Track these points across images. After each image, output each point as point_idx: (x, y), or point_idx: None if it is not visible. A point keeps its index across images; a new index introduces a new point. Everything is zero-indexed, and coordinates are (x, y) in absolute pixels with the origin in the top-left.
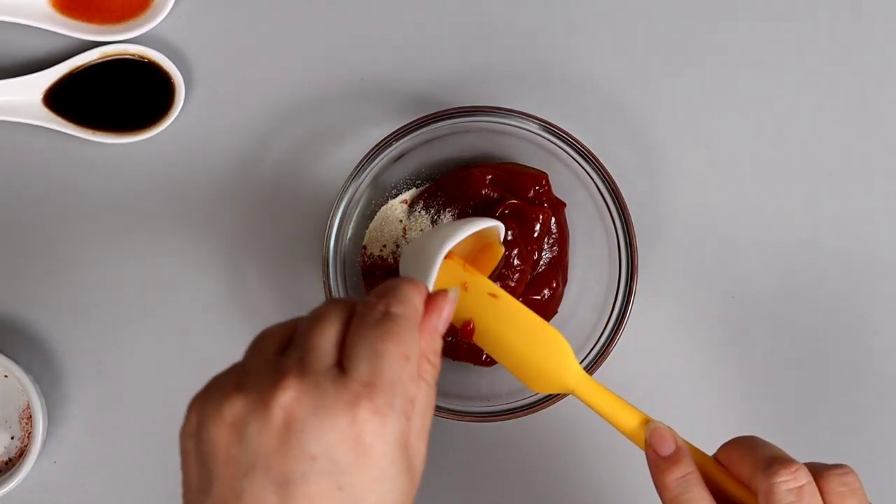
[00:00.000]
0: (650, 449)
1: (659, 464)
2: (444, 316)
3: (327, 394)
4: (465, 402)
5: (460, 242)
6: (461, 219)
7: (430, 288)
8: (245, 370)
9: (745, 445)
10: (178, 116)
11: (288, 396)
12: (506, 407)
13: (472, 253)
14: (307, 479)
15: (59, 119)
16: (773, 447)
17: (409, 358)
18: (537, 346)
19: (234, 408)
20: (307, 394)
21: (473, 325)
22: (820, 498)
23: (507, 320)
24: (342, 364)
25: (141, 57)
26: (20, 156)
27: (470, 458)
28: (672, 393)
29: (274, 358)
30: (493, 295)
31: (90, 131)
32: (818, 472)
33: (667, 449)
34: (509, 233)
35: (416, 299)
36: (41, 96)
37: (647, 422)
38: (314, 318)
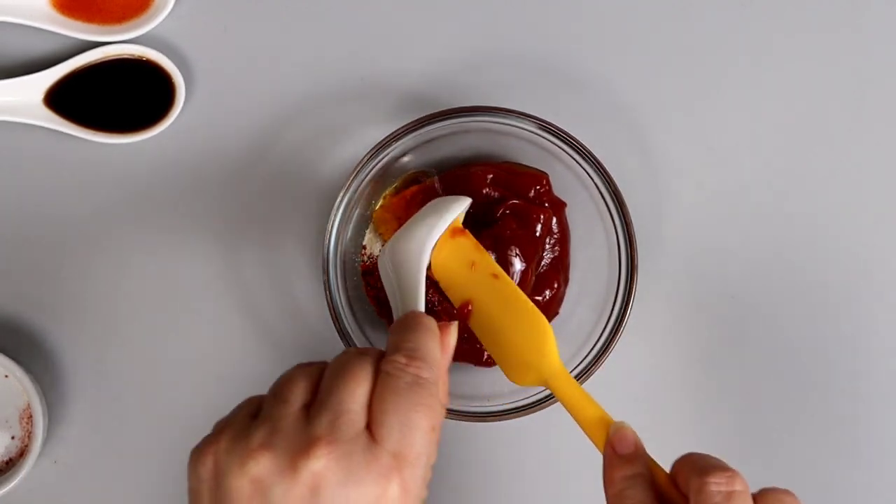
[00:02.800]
0: (609, 446)
1: (613, 460)
2: (451, 354)
3: (358, 464)
4: (465, 402)
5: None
6: (428, 208)
7: (422, 305)
8: (273, 427)
9: (692, 457)
10: (178, 116)
11: (319, 464)
12: (506, 407)
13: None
14: None
15: (59, 119)
16: (718, 459)
17: (435, 429)
18: (525, 330)
19: (261, 466)
20: (338, 462)
21: (471, 308)
22: None
23: (503, 302)
24: (372, 429)
25: (141, 57)
26: (20, 156)
27: (470, 458)
28: (671, 393)
29: (302, 415)
30: (495, 276)
31: (90, 131)
32: (762, 491)
33: (625, 448)
34: (507, 231)
35: (438, 354)
36: (42, 96)
37: (611, 423)
38: (341, 374)
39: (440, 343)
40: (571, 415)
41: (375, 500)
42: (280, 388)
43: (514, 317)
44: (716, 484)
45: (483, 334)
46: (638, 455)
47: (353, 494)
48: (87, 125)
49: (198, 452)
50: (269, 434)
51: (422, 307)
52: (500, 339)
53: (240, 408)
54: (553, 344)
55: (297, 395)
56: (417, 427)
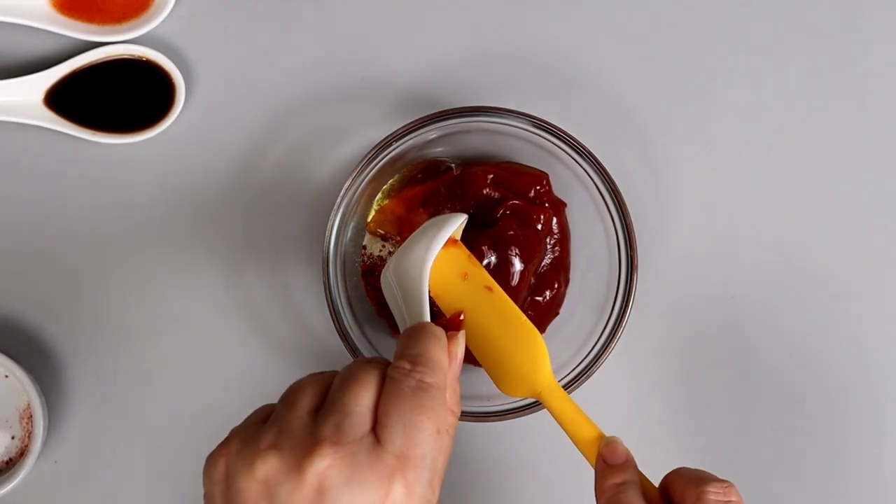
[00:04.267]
0: (600, 458)
1: (605, 471)
2: (460, 363)
3: (362, 464)
4: (465, 402)
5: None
6: (429, 224)
7: (427, 316)
8: (281, 429)
9: (684, 470)
10: (178, 117)
11: (323, 464)
12: (506, 407)
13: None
14: None
15: (59, 119)
16: (710, 473)
17: (440, 431)
18: (517, 343)
19: (268, 466)
20: (342, 462)
21: (462, 318)
22: None
23: (496, 315)
24: (376, 431)
25: (141, 57)
26: (20, 156)
27: (470, 458)
28: (671, 393)
29: (309, 418)
30: (488, 288)
31: (91, 131)
32: None
33: (616, 459)
34: (510, 232)
35: (444, 361)
36: (42, 97)
37: (602, 437)
38: (348, 380)
39: (447, 351)
40: (564, 429)
41: (379, 501)
42: (289, 394)
43: (506, 329)
44: (714, 493)
45: (474, 345)
46: (628, 465)
47: (358, 494)
48: (87, 125)
49: (211, 457)
50: (277, 436)
51: (427, 318)
52: (491, 351)
53: (252, 415)
54: (546, 358)
55: (306, 400)
56: (421, 429)
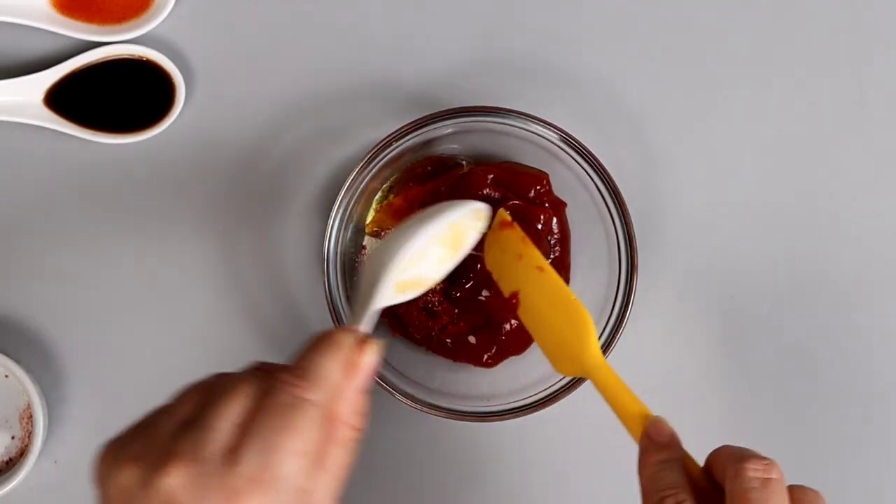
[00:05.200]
0: (645, 436)
1: (648, 447)
2: (367, 376)
3: (209, 486)
4: (465, 402)
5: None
6: (415, 216)
7: (364, 319)
8: (149, 438)
9: (727, 448)
10: (178, 117)
11: (172, 481)
12: (506, 407)
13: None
14: None
15: (59, 119)
16: (754, 450)
17: (305, 453)
18: (566, 323)
19: (125, 476)
20: (192, 481)
21: (518, 299)
22: (787, 499)
23: (548, 294)
24: (236, 450)
25: (141, 57)
26: (20, 156)
27: (470, 458)
28: (671, 393)
29: (177, 430)
30: (539, 268)
31: (90, 131)
32: (793, 486)
33: (662, 437)
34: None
35: (335, 375)
36: (42, 96)
37: (648, 416)
38: (224, 391)
39: (347, 362)
40: (611, 406)
41: None
42: (172, 399)
43: (556, 309)
44: (753, 470)
45: (530, 325)
46: (673, 443)
47: None
48: (87, 125)
49: (100, 453)
50: (143, 445)
51: (368, 318)
52: (544, 330)
53: (147, 412)
54: (594, 336)
55: (185, 408)
56: (280, 449)
